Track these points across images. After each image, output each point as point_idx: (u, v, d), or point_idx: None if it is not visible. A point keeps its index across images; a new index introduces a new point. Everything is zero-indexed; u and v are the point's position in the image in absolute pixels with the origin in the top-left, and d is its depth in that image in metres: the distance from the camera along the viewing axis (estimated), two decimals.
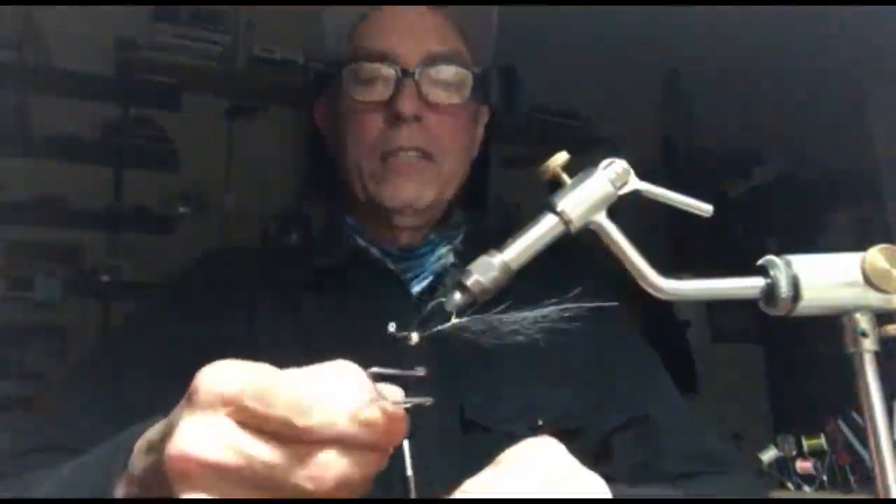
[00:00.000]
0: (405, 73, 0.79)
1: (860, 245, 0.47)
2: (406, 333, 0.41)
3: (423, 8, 0.83)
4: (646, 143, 3.48)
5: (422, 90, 0.79)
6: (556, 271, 0.67)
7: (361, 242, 0.84)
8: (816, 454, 2.07)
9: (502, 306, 0.42)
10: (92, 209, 2.64)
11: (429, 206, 0.81)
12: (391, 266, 0.82)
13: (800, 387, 3.12)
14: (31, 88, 2.60)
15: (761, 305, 0.48)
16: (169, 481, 0.37)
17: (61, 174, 2.60)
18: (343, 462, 0.37)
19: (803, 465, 2.06)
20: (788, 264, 0.47)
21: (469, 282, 0.43)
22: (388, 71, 0.79)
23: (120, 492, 0.45)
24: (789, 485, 2.07)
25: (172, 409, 0.41)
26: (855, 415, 1.99)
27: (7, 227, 2.53)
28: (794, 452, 2.06)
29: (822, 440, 2.08)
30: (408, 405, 0.39)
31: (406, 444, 0.42)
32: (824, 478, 2.07)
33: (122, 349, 0.81)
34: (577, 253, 0.67)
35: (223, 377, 0.38)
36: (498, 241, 0.45)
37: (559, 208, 0.45)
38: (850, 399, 0.50)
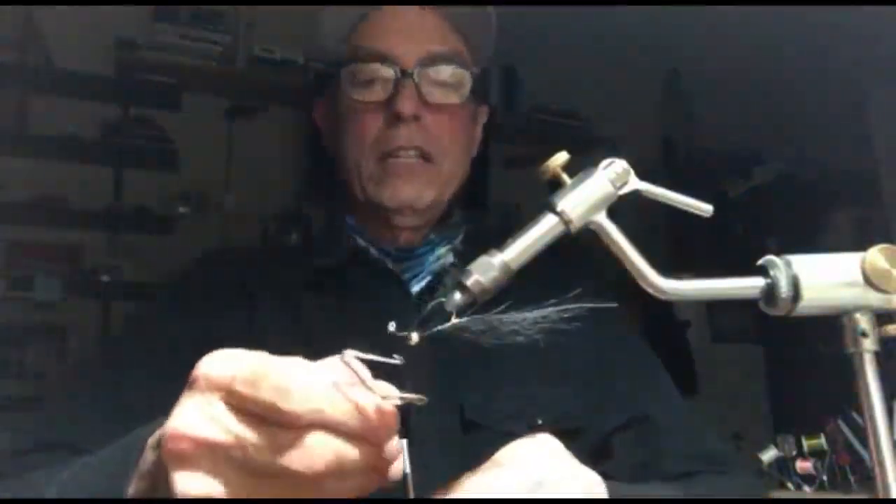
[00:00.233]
0: (404, 73, 0.79)
1: (860, 245, 0.47)
2: (406, 333, 0.41)
3: (421, 8, 0.83)
4: (646, 143, 3.48)
5: (421, 90, 0.79)
6: (556, 271, 0.67)
7: (361, 242, 0.84)
8: (816, 454, 2.07)
9: (502, 306, 0.42)
10: (92, 209, 2.64)
11: (428, 206, 0.81)
12: (391, 266, 0.82)
13: (800, 387, 3.12)
14: (31, 88, 2.60)
15: (761, 305, 0.48)
16: (166, 465, 0.38)
17: (61, 174, 2.60)
18: (331, 446, 0.37)
19: (803, 465, 2.06)
20: (788, 264, 0.47)
21: (469, 282, 0.43)
22: (388, 71, 0.79)
23: (132, 490, 0.46)
24: (789, 485, 2.07)
25: (172, 409, 0.41)
26: (855, 415, 1.99)
27: (7, 227, 2.53)
28: (794, 452, 2.06)
29: (822, 440, 2.08)
30: (397, 400, 0.39)
31: (404, 441, 0.42)
32: (824, 478, 2.07)
33: (123, 349, 0.81)
34: (577, 253, 0.67)
35: (220, 364, 0.39)
36: (498, 241, 0.45)
37: (559, 208, 0.45)
38: (850, 399, 0.50)
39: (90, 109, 2.68)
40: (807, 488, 2.06)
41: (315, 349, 0.44)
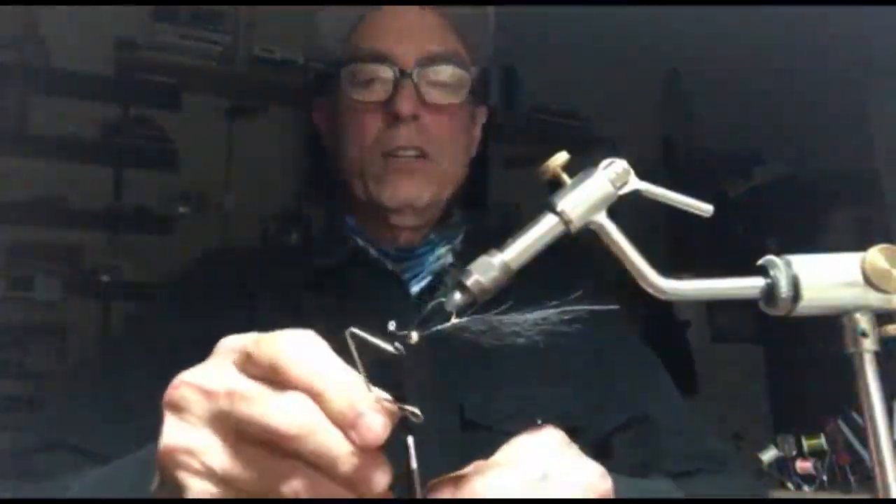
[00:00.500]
0: (403, 73, 0.79)
1: (860, 245, 0.47)
2: (406, 333, 0.41)
3: (420, 8, 0.83)
4: (646, 143, 3.49)
5: (420, 90, 0.79)
6: (556, 271, 0.67)
7: (361, 242, 0.84)
8: (816, 454, 2.07)
9: (503, 307, 0.42)
10: (92, 209, 2.64)
11: (427, 205, 0.81)
12: (390, 266, 0.82)
13: (800, 387, 3.12)
14: (31, 88, 2.60)
15: (761, 305, 0.48)
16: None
17: (61, 174, 2.60)
18: (309, 410, 0.37)
19: (803, 465, 2.06)
20: (788, 264, 0.47)
21: (469, 282, 0.43)
22: (387, 71, 0.79)
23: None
24: (789, 485, 2.07)
25: None
26: (855, 415, 1.99)
27: (7, 227, 2.53)
28: (794, 452, 2.07)
29: (822, 440, 2.08)
30: (391, 404, 0.38)
31: (410, 438, 0.42)
32: (824, 478, 2.07)
33: (123, 349, 0.81)
34: (577, 253, 0.67)
35: (241, 336, 0.41)
36: (498, 241, 0.45)
37: (559, 208, 0.45)
38: (850, 399, 0.50)
39: (90, 109, 2.67)
40: (807, 488, 2.06)
41: None
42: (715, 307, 3.40)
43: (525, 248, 0.45)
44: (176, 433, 0.39)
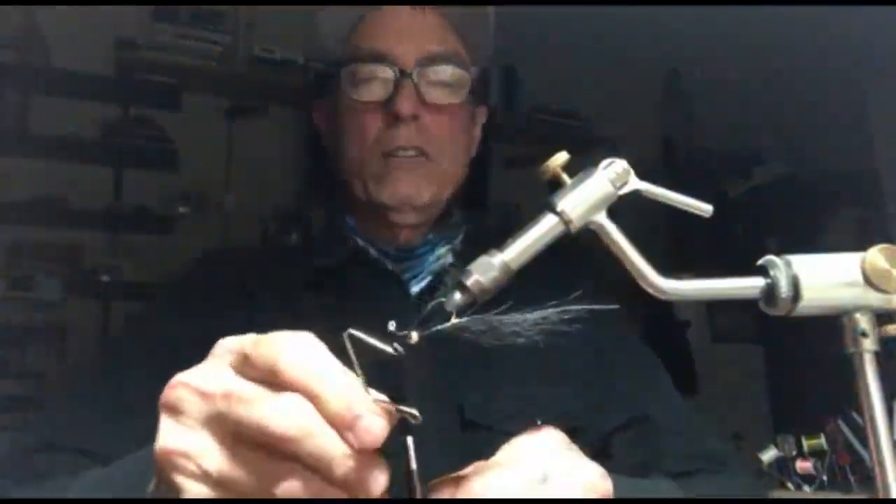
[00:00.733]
0: (403, 73, 0.79)
1: (860, 245, 0.47)
2: (406, 333, 0.41)
3: (420, 8, 0.83)
4: (646, 143, 3.49)
5: (420, 90, 0.79)
6: (557, 271, 0.67)
7: (361, 242, 0.84)
8: (816, 454, 2.07)
9: (503, 307, 0.42)
10: (92, 209, 2.64)
11: (427, 203, 0.81)
12: (390, 266, 0.82)
13: (800, 387, 3.12)
14: (31, 88, 2.60)
15: (761, 305, 0.48)
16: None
17: (61, 174, 2.60)
18: (306, 408, 0.36)
19: (803, 465, 2.06)
20: (788, 264, 0.47)
21: (469, 282, 0.43)
22: (386, 71, 0.79)
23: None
24: (789, 485, 2.07)
25: None
26: (855, 415, 1.99)
27: (7, 227, 2.53)
28: (794, 452, 2.06)
29: (822, 440, 2.07)
30: (387, 404, 0.38)
31: (410, 439, 0.42)
32: (824, 478, 2.07)
33: (123, 349, 0.81)
34: (577, 253, 0.67)
35: (238, 337, 0.40)
36: (498, 241, 0.45)
37: (559, 208, 0.45)
38: (850, 399, 0.50)
39: (90, 109, 2.67)
40: (807, 488, 2.06)
41: None
42: (715, 307, 3.40)
43: (525, 248, 0.45)
44: (172, 435, 0.39)
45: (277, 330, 0.40)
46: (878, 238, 0.49)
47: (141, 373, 0.72)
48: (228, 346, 0.40)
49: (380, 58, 0.80)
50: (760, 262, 0.48)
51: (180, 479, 0.38)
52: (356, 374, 0.38)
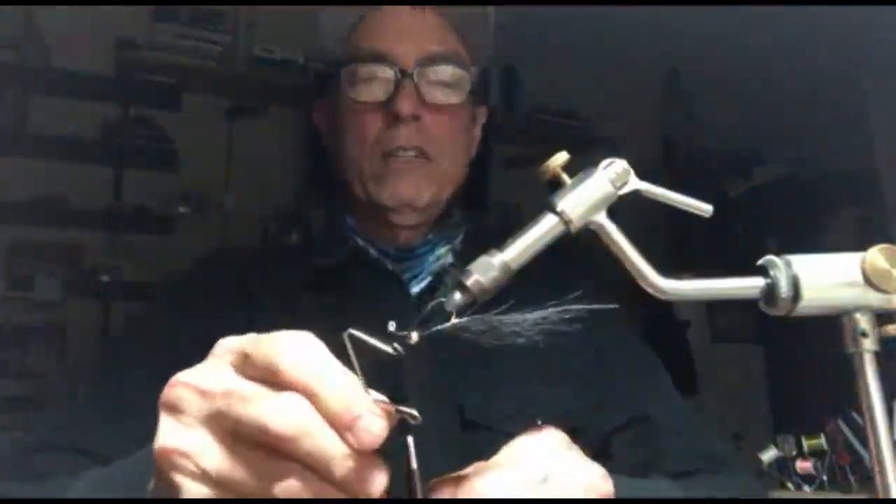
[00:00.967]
0: (403, 73, 0.79)
1: (860, 245, 0.47)
2: (406, 333, 0.41)
3: (420, 8, 0.83)
4: (646, 143, 3.49)
5: (420, 90, 0.79)
6: (556, 271, 0.67)
7: (361, 242, 0.84)
8: (816, 454, 2.07)
9: (503, 307, 0.42)
10: (92, 209, 2.64)
11: (427, 204, 0.81)
12: (390, 266, 0.82)
13: (800, 387, 3.12)
14: (31, 88, 2.60)
15: (761, 305, 0.48)
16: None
17: (61, 174, 2.60)
18: (305, 408, 0.36)
19: (803, 465, 2.06)
20: (788, 264, 0.47)
21: (469, 282, 0.43)
22: (387, 72, 0.79)
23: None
24: (789, 485, 2.07)
25: None
26: (855, 415, 1.99)
27: (7, 227, 2.53)
28: (794, 452, 2.06)
29: (822, 440, 2.08)
30: (387, 404, 0.38)
31: (410, 439, 0.42)
32: (824, 478, 2.07)
33: (123, 349, 0.81)
34: (577, 253, 0.67)
35: (239, 337, 0.40)
36: (498, 241, 0.45)
37: (559, 208, 0.45)
38: (850, 399, 0.50)
39: (90, 109, 2.67)
40: (807, 488, 2.06)
41: None
42: (715, 307, 3.40)
43: (525, 248, 0.45)
44: (171, 434, 0.39)
45: (277, 330, 0.40)
46: (878, 238, 0.49)
47: (141, 373, 0.72)
48: (229, 346, 0.40)
49: (380, 58, 0.80)
50: (760, 262, 0.48)
51: (179, 479, 0.38)
52: (356, 374, 0.38)
